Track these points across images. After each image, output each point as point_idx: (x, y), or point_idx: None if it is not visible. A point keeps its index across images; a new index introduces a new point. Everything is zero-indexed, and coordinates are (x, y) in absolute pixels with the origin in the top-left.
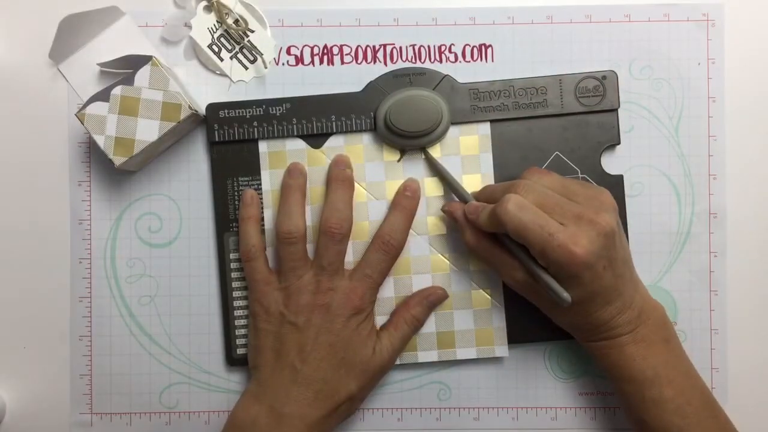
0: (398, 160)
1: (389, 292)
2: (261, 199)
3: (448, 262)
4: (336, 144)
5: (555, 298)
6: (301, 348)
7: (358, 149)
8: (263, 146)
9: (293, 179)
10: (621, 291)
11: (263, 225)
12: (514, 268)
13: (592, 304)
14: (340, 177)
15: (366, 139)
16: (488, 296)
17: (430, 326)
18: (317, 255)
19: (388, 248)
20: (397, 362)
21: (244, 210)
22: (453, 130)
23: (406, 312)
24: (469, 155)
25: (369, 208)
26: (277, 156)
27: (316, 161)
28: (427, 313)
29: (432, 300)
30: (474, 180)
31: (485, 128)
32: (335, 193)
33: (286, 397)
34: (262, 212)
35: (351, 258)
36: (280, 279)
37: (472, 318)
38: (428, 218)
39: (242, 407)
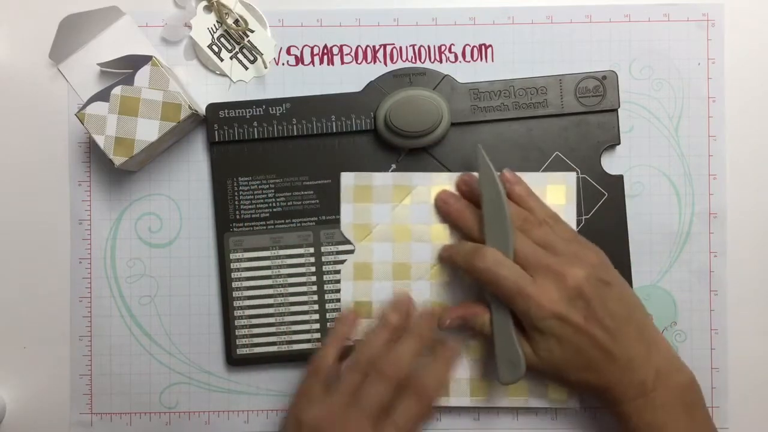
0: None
1: (463, 334)
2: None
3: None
4: (423, 183)
5: (498, 379)
6: None
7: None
8: (348, 179)
9: (399, 314)
10: (621, 349)
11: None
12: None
13: (578, 362)
14: (421, 332)
15: (455, 179)
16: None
17: None
18: (361, 387)
19: (421, 396)
20: (469, 404)
21: (340, 327)
22: (539, 178)
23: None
24: (554, 204)
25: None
26: (363, 190)
27: (400, 197)
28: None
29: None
30: None
31: (572, 178)
32: (407, 344)
33: None
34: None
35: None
36: (324, 395)
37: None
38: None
39: None
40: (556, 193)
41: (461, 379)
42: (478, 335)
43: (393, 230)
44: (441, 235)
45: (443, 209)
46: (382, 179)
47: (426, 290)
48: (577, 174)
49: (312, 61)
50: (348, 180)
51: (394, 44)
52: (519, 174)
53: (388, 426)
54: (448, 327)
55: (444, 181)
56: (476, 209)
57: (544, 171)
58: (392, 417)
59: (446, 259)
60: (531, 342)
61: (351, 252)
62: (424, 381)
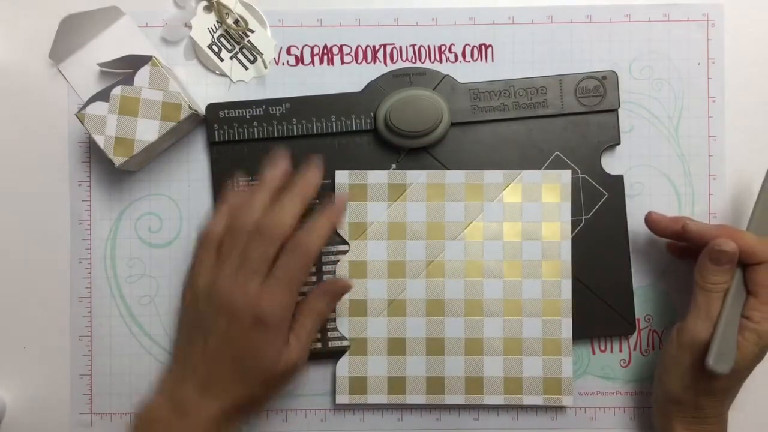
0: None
1: (459, 332)
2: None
3: (521, 307)
4: (418, 181)
5: (710, 361)
6: (205, 348)
7: (440, 188)
8: (343, 177)
9: (277, 170)
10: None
11: None
12: (708, 318)
13: (734, 376)
14: (303, 188)
15: (449, 178)
16: (559, 345)
17: (498, 371)
18: (244, 248)
19: (296, 249)
20: (464, 402)
21: (224, 200)
22: (535, 176)
23: (307, 307)
24: (549, 203)
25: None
26: (358, 188)
27: (397, 195)
28: (330, 305)
29: (335, 291)
30: (553, 227)
31: (567, 176)
32: (287, 202)
33: (188, 390)
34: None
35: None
36: (218, 261)
37: (541, 366)
38: (504, 262)
39: (155, 396)
40: (551, 191)
41: (458, 377)
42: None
43: (388, 228)
44: (436, 233)
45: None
46: (376, 177)
47: (422, 288)
48: (577, 174)
49: (312, 61)
50: (342, 178)
51: (394, 44)
52: (515, 171)
53: (271, 280)
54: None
55: (439, 179)
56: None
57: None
58: (273, 272)
59: (705, 234)
60: (739, 338)
61: (347, 251)
62: (302, 235)
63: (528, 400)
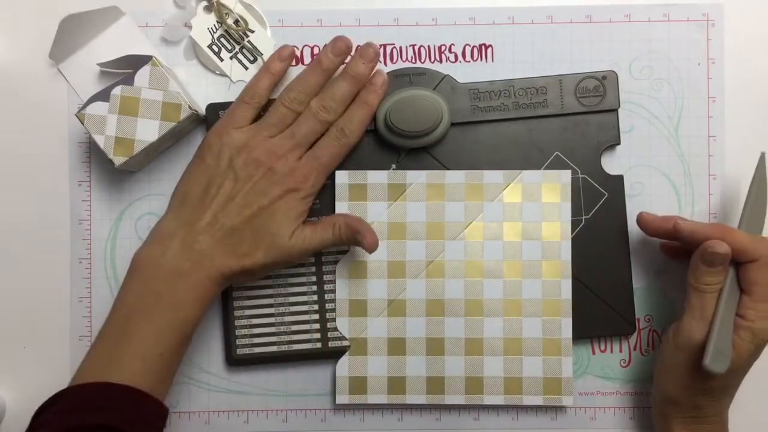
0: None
1: (459, 332)
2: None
3: (521, 307)
4: (418, 180)
5: (707, 361)
6: (230, 198)
7: (439, 188)
8: (343, 177)
9: (333, 57)
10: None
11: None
12: (702, 319)
13: (730, 376)
14: (353, 71)
15: (449, 178)
16: (559, 345)
17: (498, 371)
18: (294, 124)
19: (341, 136)
20: (464, 402)
21: (273, 62)
22: (535, 176)
23: (339, 220)
24: (549, 203)
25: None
26: (358, 188)
27: (397, 195)
28: (352, 235)
29: (357, 227)
30: (553, 227)
31: (567, 176)
32: (340, 84)
33: (200, 237)
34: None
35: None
36: (252, 124)
37: (541, 366)
38: (504, 262)
39: (158, 237)
40: (551, 191)
41: (458, 377)
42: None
43: (388, 228)
44: (436, 233)
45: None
46: (376, 177)
47: (422, 288)
48: (577, 174)
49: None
50: (342, 178)
51: (394, 44)
52: (515, 171)
53: (308, 156)
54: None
55: (439, 179)
56: None
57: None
58: (314, 151)
59: (700, 233)
60: (734, 337)
61: (347, 250)
62: (345, 122)
63: (528, 400)
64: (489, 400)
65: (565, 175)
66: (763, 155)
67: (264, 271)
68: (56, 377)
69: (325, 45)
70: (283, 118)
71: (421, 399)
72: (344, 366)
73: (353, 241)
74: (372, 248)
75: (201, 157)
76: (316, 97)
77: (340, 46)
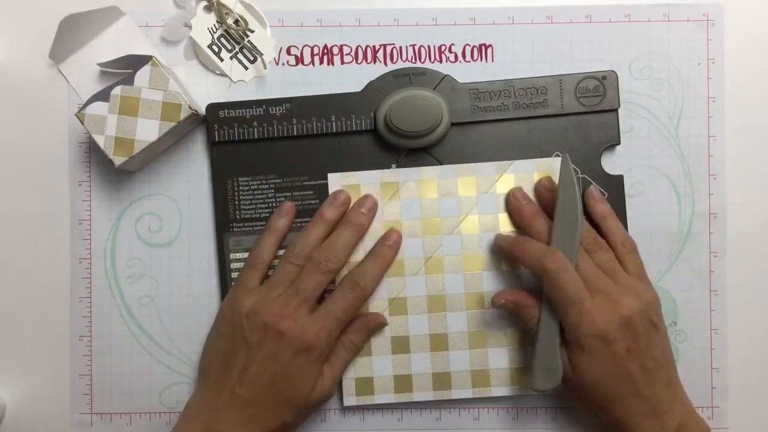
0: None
1: (462, 326)
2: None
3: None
4: (410, 178)
5: (533, 383)
6: (245, 368)
7: (432, 183)
8: (335, 179)
9: (334, 208)
10: (650, 392)
11: (286, 244)
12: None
13: (607, 390)
14: (353, 220)
15: (441, 172)
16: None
17: (503, 362)
18: (298, 279)
19: (355, 288)
20: (472, 396)
21: (275, 220)
22: (526, 165)
23: (346, 338)
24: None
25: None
26: (351, 189)
27: (389, 194)
28: (365, 339)
29: (371, 327)
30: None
31: (558, 163)
32: (341, 233)
33: (221, 415)
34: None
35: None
36: (260, 286)
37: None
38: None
39: (184, 422)
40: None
41: (464, 371)
42: (520, 325)
43: (384, 227)
44: (432, 229)
45: (515, 206)
46: (368, 177)
47: (420, 285)
48: (578, 174)
49: (312, 61)
50: (335, 180)
51: (394, 44)
52: (506, 162)
53: (322, 311)
54: (499, 307)
55: (431, 175)
56: (546, 217)
57: None
58: (326, 305)
59: (505, 250)
60: (570, 355)
61: None
62: (359, 275)
63: (496, 391)
64: (496, 392)
65: (557, 162)
66: (565, 156)
67: (298, 423)
68: (56, 377)
69: (326, 200)
70: (289, 274)
71: (429, 396)
72: (349, 367)
73: (372, 336)
74: (384, 323)
75: (217, 328)
76: (317, 249)
77: (340, 199)
